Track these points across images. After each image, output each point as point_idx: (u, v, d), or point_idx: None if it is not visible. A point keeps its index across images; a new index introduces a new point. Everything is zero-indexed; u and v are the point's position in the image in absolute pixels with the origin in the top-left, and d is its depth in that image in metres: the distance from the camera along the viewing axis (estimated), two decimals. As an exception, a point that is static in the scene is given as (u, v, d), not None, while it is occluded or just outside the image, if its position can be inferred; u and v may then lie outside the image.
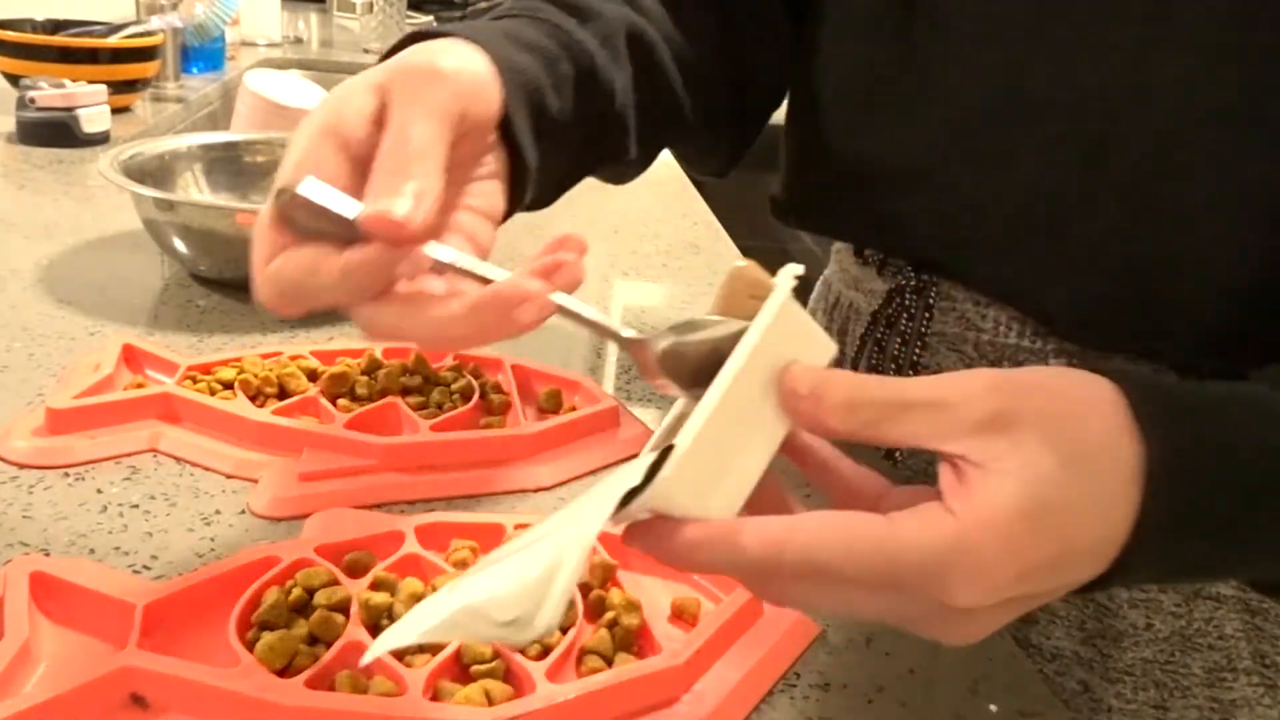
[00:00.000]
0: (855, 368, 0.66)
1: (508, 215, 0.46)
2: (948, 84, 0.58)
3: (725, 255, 1.02)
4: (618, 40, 0.53)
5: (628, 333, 0.34)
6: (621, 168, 0.59)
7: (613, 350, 0.77)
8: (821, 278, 0.76)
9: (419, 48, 0.41)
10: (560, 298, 0.35)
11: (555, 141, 0.48)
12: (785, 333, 0.32)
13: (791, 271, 0.32)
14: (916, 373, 0.63)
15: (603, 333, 0.35)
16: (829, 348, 0.33)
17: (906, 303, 0.62)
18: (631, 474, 0.30)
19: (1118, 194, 0.53)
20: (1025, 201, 0.57)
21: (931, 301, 0.61)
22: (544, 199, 0.54)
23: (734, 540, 0.30)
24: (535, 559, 0.29)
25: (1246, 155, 0.49)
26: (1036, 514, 0.30)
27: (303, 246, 0.35)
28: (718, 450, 0.31)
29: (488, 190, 0.43)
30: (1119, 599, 0.57)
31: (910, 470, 0.65)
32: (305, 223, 0.35)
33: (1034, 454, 0.30)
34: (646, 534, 0.31)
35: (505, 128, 0.43)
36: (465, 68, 0.40)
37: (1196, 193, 0.51)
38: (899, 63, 0.60)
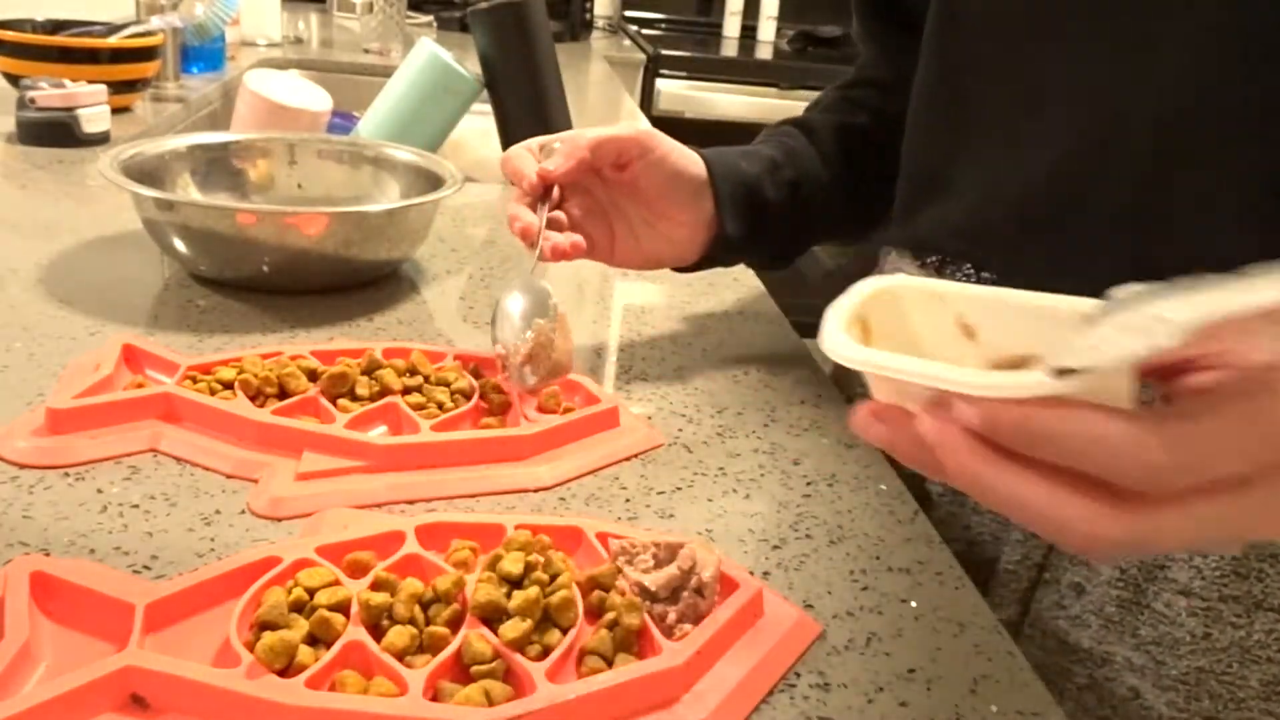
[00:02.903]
0: None
1: (689, 267, 0.74)
2: (977, 89, 0.60)
3: (725, 255, 1.02)
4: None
5: None
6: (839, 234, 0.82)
7: (613, 350, 0.77)
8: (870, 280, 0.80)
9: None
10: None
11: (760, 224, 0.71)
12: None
13: None
14: None
15: None
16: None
17: None
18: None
19: (1124, 184, 0.53)
20: (1033, 194, 0.57)
21: None
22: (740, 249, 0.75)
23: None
24: None
25: (1253, 144, 0.49)
26: None
27: None
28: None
29: (667, 234, 0.70)
30: (1178, 607, 0.57)
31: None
32: None
33: None
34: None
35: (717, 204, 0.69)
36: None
37: (1203, 182, 0.51)
38: (944, 76, 0.63)
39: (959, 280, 0.64)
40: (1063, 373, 0.29)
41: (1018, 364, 0.35)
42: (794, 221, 0.75)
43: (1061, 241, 0.57)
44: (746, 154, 0.73)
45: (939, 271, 0.67)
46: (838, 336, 0.35)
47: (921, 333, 0.38)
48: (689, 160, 0.69)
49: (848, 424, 0.36)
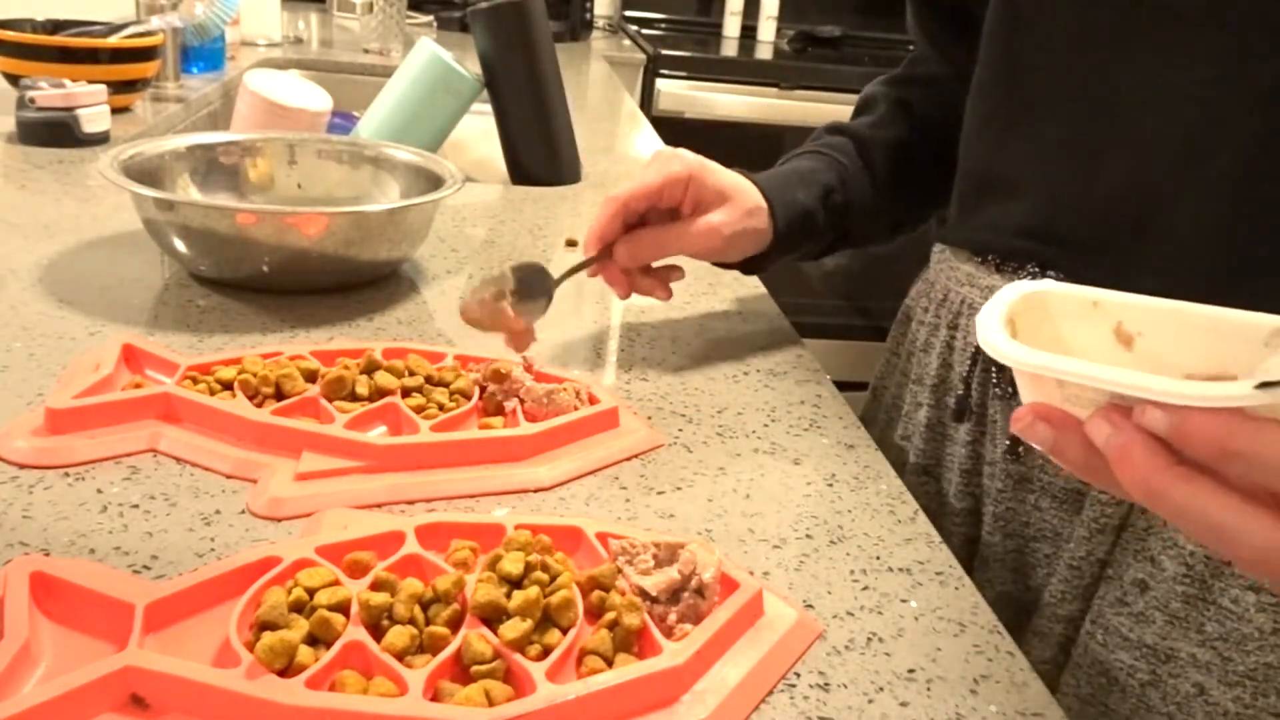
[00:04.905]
0: (973, 360, 0.69)
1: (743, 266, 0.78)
2: (1043, 92, 0.61)
3: (725, 255, 1.02)
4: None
5: None
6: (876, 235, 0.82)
7: (613, 350, 0.77)
8: (922, 277, 0.82)
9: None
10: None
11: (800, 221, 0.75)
12: None
13: None
14: None
15: None
16: None
17: None
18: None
19: (1209, 195, 0.54)
20: (1114, 201, 0.58)
21: None
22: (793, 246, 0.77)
23: None
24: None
25: None
26: None
27: None
28: None
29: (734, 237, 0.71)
30: (1246, 602, 0.57)
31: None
32: None
33: None
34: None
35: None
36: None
37: None
38: (1005, 76, 0.64)
39: (1021, 279, 0.65)
40: (1270, 385, 0.29)
41: (1188, 377, 0.35)
42: (833, 242, 0.79)
43: (1143, 247, 0.58)
44: (803, 179, 0.75)
45: (998, 270, 0.68)
46: (1003, 340, 0.35)
47: (1071, 338, 0.38)
48: (738, 185, 0.71)
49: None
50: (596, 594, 0.46)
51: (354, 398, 0.61)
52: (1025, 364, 0.34)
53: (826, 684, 0.45)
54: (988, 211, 0.68)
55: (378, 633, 0.42)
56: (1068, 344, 0.38)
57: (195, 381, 0.61)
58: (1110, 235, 0.59)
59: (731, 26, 2.96)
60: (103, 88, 1.21)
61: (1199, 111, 0.54)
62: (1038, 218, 0.64)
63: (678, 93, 2.53)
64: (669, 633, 0.44)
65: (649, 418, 0.66)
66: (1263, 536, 0.31)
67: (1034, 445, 0.36)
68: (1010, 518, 0.68)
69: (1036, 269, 0.65)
